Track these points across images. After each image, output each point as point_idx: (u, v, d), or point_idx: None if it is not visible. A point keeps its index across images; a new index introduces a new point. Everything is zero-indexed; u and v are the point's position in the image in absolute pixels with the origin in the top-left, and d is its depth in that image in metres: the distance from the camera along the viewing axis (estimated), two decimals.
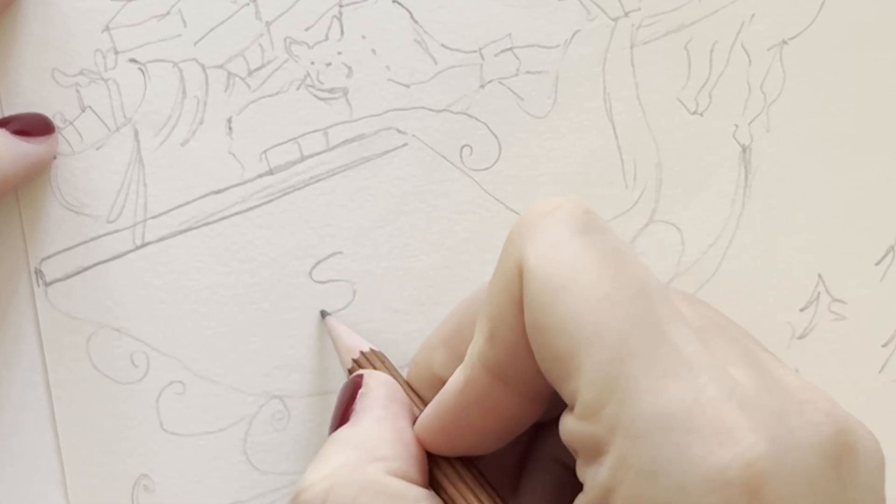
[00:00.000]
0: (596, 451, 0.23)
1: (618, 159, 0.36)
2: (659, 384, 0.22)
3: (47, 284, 0.34)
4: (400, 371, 0.32)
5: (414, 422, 0.28)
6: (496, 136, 0.36)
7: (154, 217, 0.35)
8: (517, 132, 0.36)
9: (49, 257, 0.34)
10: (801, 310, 0.37)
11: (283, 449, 0.35)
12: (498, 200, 0.36)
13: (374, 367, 0.31)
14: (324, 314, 0.34)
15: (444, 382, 0.27)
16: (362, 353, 0.32)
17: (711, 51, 0.36)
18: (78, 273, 0.34)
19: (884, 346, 0.37)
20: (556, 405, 0.26)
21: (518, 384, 0.25)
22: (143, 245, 0.35)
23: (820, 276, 0.37)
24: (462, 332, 0.28)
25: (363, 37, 0.35)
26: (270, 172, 0.35)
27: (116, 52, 0.34)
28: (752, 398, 0.22)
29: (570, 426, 0.23)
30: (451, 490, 0.27)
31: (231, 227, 0.35)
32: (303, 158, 0.35)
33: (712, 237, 0.36)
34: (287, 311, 0.35)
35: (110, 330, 0.34)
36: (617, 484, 0.22)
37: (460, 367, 0.26)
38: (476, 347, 0.26)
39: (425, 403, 0.29)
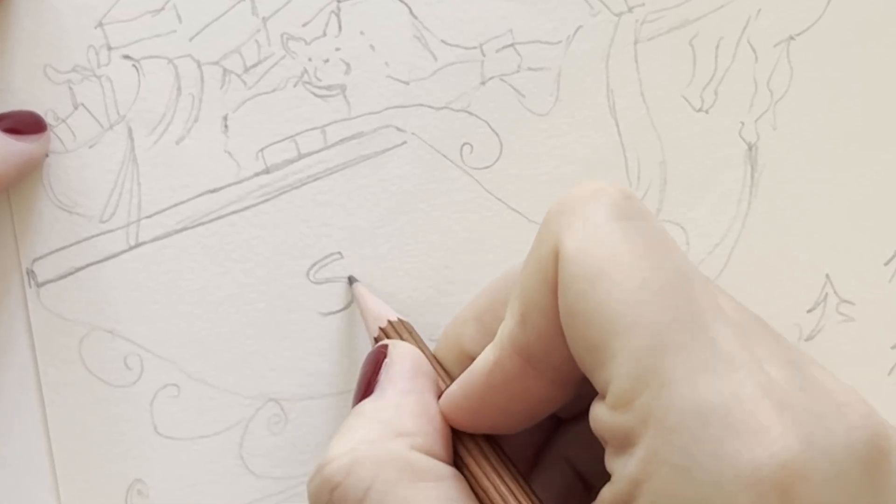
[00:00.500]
0: (626, 442, 0.22)
1: (621, 157, 0.36)
2: (696, 377, 0.21)
3: (39, 285, 0.34)
4: (428, 344, 0.32)
5: (439, 396, 0.28)
6: (497, 134, 0.35)
7: (148, 217, 0.34)
8: (519, 130, 0.35)
9: (41, 258, 0.34)
10: (809, 311, 0.37)
11: (279, 453, 0.35)
12: (499, 199, 0.36)
13: (401, 338, 0.31)
14: (351, 280, 0.34)
15: (472, 358, 0.27)
16: (390, 322, 0.31)
17: (717, 47, 0.36)
18: (70, 274, 0.34)
19: (893, 347, 0.37)
20: (580, 400, 0.26)
21: (547, 369, 0.25)
22: (137, 245, 0.34)
23: (828, 276, 0.37)
24: (495, 308, 0.28)
25: (361, 33, 0.35)
26: (267, 171, 0.35)
27: (110, 49, 0.34)
28: (789, 397, 0.22)
29: (600, 415, 0.23)
30: (473, 467, 0.27)
31: (227, 226, 0.35)
32: (300, 157, 0.35)
33: (718, 237, 0.36)
34: (284, 313, 0.35)
35: (103, 332, 0.34)
36: (647, 477, 0.22)
37: (490, 347, 0.26)
38: (507, 329, 0.25)
39: (451, 378, 0.29)
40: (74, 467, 0.34)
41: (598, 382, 0.23)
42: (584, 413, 0.25)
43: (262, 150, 0.35)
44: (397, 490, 0.25)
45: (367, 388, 0.28)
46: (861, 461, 0.21)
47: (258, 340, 0.35)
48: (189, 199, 0.34)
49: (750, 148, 0.36)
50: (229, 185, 0.35)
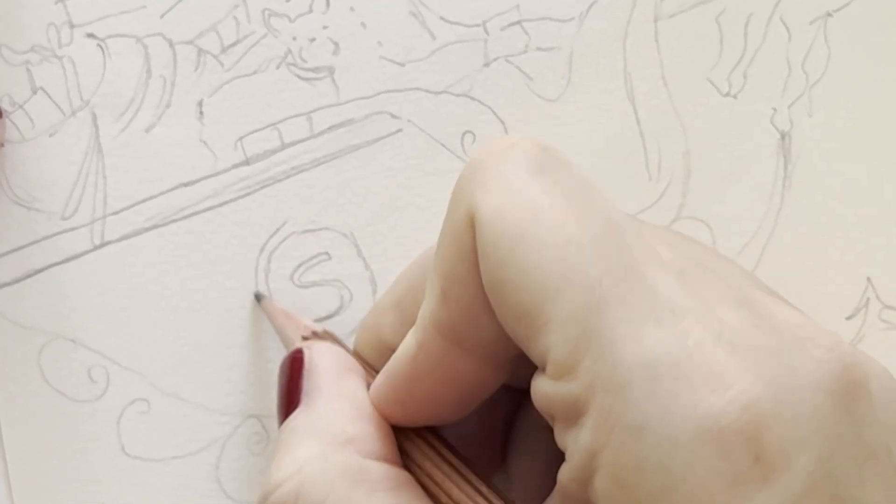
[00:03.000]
0: (575, 413, 0.22)
1: (640, 147, 0.35)
2: (639, 331, 0.21)
3: None
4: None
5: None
6: (502, 122, 0.35)
7: (115, 213, 0.34)
8: (526, 117, 0.35)
9: None
10: (848, 318, 0.36)
11: (260, 475, 0.34)
12: None
13: None
14: (259, 297, 0.34)
15: (393, 350, 0.27)
16: (315, 333, 0.31)
17: (746, 24, 0.35)
18: (29, 276, 0.34)
19: None
20: (526, 369, 0.26)
21: (476, 347, 0.25)
22: (103, 245, 0.34)
23: (869, 279, 0.36)
24: (414, 294, 0.28)
25: (352, 9, 0.34)
26: (247, 162, 0.34)
27: (72, 26, 0.33)
28: (743, 338, 0.21)
29: (543, 389, 0.23)
30: (419, 458, 0.27)
31: (202, 224, 0.34)
32: (283, 146, 0.34)
33: (747, 236, 0.36)
34: (266, 320, 0.34)
35: (65, 341, 0.34)
36: (601, 445, 0.21)
37: (412, 331, 0.26)
38: (428, 308, 0.25)
39: (376, 372, 0.28)
40: (33, 491, 0.34)
41: (535, 354, 0.23)
42: None
43: (241, 139, 0.34)
44: None
45: (290, 399, 0.28)
46: (834, 396, 0.21)
47: (238, 351, 0.34)
48: (160, 194, 0.34)
49: (783, 137, 0.36)
50: (205, 177, 0.34)
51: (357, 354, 0.30)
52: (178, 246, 0.34)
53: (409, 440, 0.27)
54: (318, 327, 0.31)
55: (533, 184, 0.23)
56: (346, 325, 0.34)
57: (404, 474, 0.26)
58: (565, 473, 0.23)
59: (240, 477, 0.34)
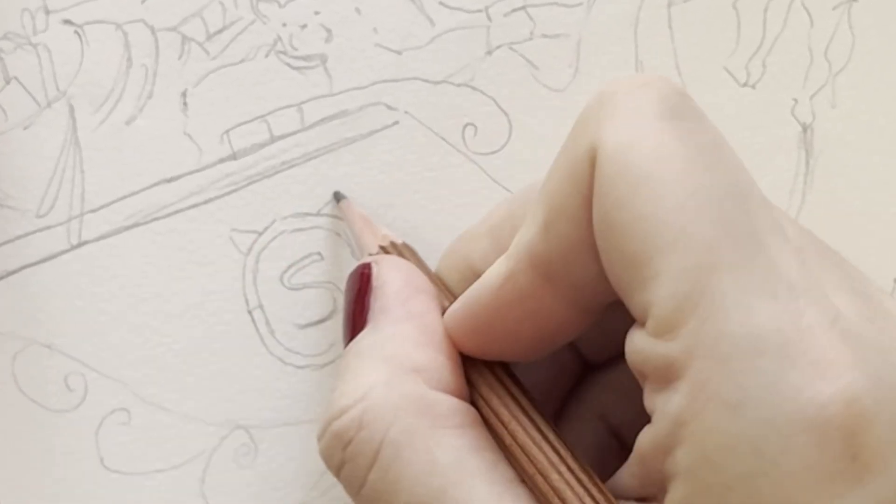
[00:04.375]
0: (670, 376, 0.22)
1: None
2: (751, 302, 0.21)
3: None
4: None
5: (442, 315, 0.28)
6: (506, 113, 0.35)
7: (93, 210, 0.34)
8: (531, 108, 0.35)
9: None
10: None
11: (249, 489, 0.34)
12: (507, 190, 0.35)
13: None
14: (338, 197, 0.34)
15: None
16: (393, 244, 0.31)
17: (765, 10, 0.35)
18: (1, 278, 0.33)
19: None
20: (610, 341, 0.26)
21: (568, 288, 0.25)
22: (80, 244, 0.34)
23: None
24: (513, 222, 0.28)
25: None
26: (234, 157, 0.34)
27: (47, 12, 0.33)
28: (856, 328, 0.21)
29: (639, 345, 0.23)
30: (485, 393, 0.26)
31: (186, 222, 0.34)
32: (273, 140, 0.34)
33: None
34: (254, 325, 0.34)
35: (40, 346, 0.34)
36: (693, 415, 0.21)
37: (502, 258, 0.26)
38: (525, 237, 0.25)
39: (455, 298, 0.28)
40: None
41: (636, 306, 0.23)
42: (617, 358, 0.25)
43: (227, 131, 0.34)
44: (415, 441, 0.25)
45: (357, 319, 0.28)
46: None
47: (223, 357, 0.34)
48: (141, 190, 0.34)
49: (804, 129, 0.36)
50: (189, 173, 0.34)
51: (438, 278, 0.30)
52: (160, 246, 0.34)
53: (477, 372, 0.27)
54: (398, 239, 0.31)
55: (665, 127, 0.23)
56: (340, 330, 0.32)
57: (472, 411, 0.26)
58: (647, 438, 0.23)
59: (226, 491, 0.34)
